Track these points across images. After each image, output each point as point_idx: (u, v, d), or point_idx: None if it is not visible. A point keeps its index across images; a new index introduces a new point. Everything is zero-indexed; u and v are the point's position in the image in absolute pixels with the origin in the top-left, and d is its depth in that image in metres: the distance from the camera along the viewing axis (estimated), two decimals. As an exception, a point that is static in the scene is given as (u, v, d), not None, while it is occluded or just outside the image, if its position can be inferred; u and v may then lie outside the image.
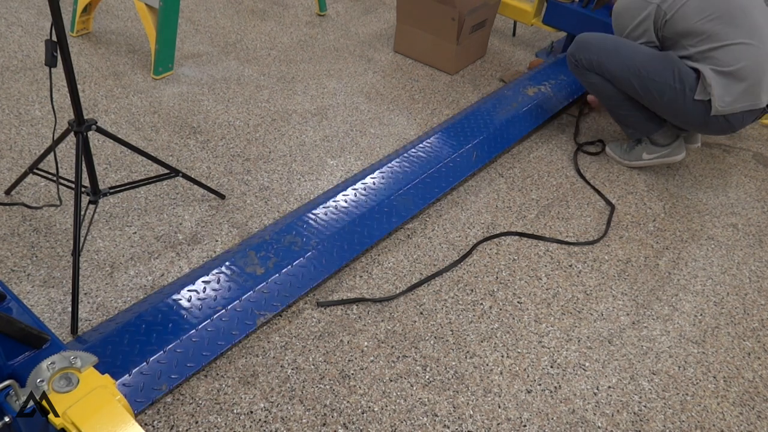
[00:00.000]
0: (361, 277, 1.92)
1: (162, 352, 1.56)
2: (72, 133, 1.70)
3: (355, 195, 2.12)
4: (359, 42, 3.24)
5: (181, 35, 3.06)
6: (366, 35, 3.31)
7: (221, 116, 2.55)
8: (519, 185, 2.39)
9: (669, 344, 1.84)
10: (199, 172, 2.25)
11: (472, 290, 1.93)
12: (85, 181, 1.75)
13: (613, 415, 1.63)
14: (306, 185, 2.25)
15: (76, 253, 1.65)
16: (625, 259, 2.11)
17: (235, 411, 1.53)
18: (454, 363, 1.71)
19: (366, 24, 3.43)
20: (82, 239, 1.72)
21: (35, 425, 1.07)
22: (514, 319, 1.86)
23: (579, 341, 1.82)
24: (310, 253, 1.88)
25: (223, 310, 1.68)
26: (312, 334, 1.73)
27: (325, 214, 2.03)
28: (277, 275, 1.80)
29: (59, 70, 1.60)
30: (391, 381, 1.64)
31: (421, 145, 2.38)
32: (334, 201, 2.09)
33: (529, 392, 1.66)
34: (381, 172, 2.23)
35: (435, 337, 1.77)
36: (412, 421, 1.56)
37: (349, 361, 1.68)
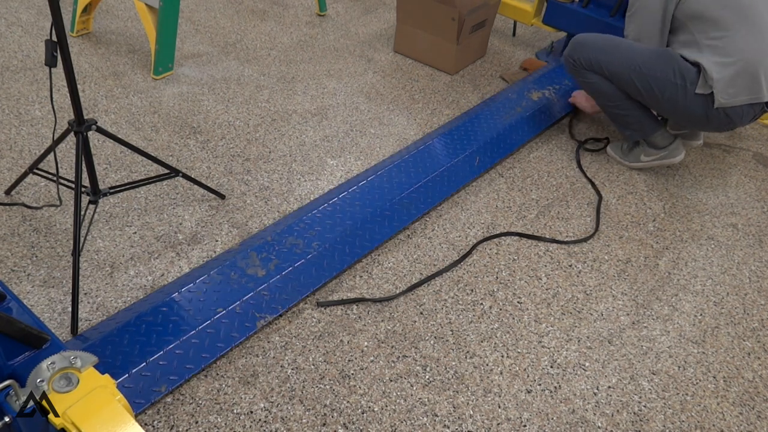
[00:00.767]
0: (361, 277, 1.92)
1: (162, 352, 1.56)
2: (72, 133, 1.70)
3: (357, 197, 2.12)
4: (359, 42, 3.24)
5: (181, 35, 3.06)
6: (366, 35, 3.31)
7: (221, 116, 2.55)
8: (519, 185, 2.39)
9: (669, 344, 1.84)
10: (199, 172, 2.25)
11: (472, 290, 1.93)
12: (85, 181, 1.75)
13: (613, 415, 1.63)
14: (306, 185, 2.25)
15: (76, 253, 1.65)
16: (625, 259, 2.11)
17: (235, 411, 1.53)
18: (454, 363, 1.71)
19: (366, 24, 3.43)
20: (82, 239, 1.72)
21: (35, 425, 1.07)
22: (514, 319, 1.86)
23: (579, 341, 1.82)
24: (311, 256, 1.88)
25: (224, 312, 1.69)
26: (312, 334, 1.73)
27: (327, 216, 2.03)
28: (278, 277, 1.80)
29: (59, 70, 1.61)
30: (391, 381, 1.64)
31: (423, 148, 2.38)
32: (335, 203, 2.09)
33: (529, 392, 1.66)
34: (383, 175, 2.23)
35: (435, 337, 1.77)
36: (412, 421, 1.56)
37: (349, 361, 1.68)
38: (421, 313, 1.83)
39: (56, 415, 1.03)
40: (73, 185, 1.70)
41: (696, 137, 2.68)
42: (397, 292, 1.88)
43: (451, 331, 1.80)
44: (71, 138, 1.75)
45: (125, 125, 2.43)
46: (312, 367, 1.65)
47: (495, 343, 1.78)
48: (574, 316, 1.89)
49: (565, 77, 2.91)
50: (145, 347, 1.56)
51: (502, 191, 2.35)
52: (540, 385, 1.69)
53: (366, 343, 1.73)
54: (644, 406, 1.67)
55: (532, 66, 3.12)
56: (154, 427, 1.48)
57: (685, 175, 2.57)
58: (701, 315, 1.95)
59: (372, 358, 1.69)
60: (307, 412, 1.55)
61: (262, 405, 1.55)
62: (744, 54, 2.10)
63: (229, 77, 2.81)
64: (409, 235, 2.09)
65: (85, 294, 1.77)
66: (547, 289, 1.97)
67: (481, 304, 1.89)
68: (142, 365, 1.53)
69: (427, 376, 1.67)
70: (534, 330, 1.83)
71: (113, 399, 1.08)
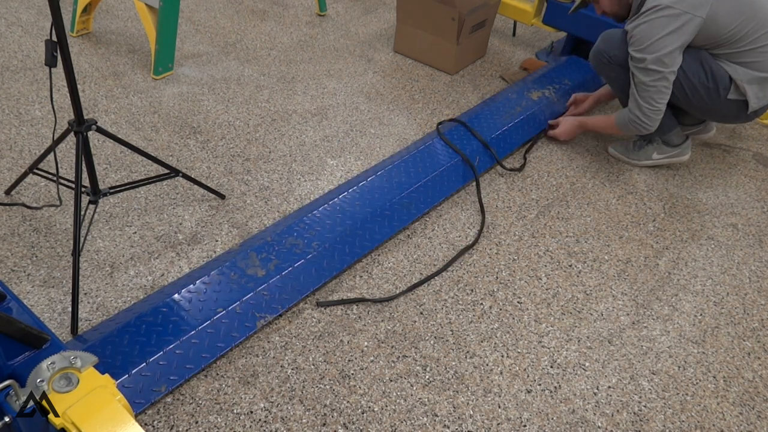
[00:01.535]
0: (361, 277, 1.92)
1: (162, 352, 1.56)
2: (72, 133, 1.70)
3: (357, 197, 2.12)
4: (359, 42, 3.24)
5: (181, 35, 3.06)
6: (366, 35, 3.31)
7: (221, 116, 2.55)
8: (519, 185, 2.39)
9: (669, 344, 1.84)
10: (199, 172, 2.25)
11: (472, 290, 1.93)
12: (85, 181, 1.75)
13: (613, 415, 1.63)
14: (306, 185, 2.25)
15: (76, 253, 1.65)
16: (625, 259, 2.11)
17: (235, 411, 1.53)
18: (454, 363, 1.71)
19: (366, 24, 3.43)
20: (82, 239, 1.72)
21: (35, 425, 1.07)
22: (514, 319, 1.86)
23: (579, 341, 1.82)
24: (311, 256, 1.88)
25: (224, 312, 1.69)
26: (312, 334, 1.73)
27: (327, 217, 2.03)
28: (278, 277, 1.80)
29: (59, 70, 1.61)
30: (391, 381, 1.64)
31: (423, 148, 2.38)
32: (335, 203, 2.09)
33: (529, 392, 1.66)
34: (383, 175, 2.23)
35: (435, 337, 1.77)
36: (412, 421, 1.56)
37: (349, 361, 1.68)
38: (421, 313, 1.83)
39: (56, 415, 1.03)
40: (73, 185, 1.70)
41: (708, 130, 2.69)
42: (397, 292, 1.88)
43: (451, 331, 1.80)
44: (71, 138, 1.76)
45: (125, 125, 2.43)
46: (312, 367, 1.65)
47: (495, 343, 1.78)
48: (574, 316, 1.89)
49: (565, 77, 2.91)
50: (145, 347, 1.56)
51: (502, 191, 2.35)
52: (540, 385, 1.69)
53: (366, 343, 1.73)
54: (644, 406, 1.67)
55: (532, 66, 3.12)
56: (154, 427, 1.48)
57: (685, 175, 2.57)
58: (701, 315, 1.95)
59: (372, 358, 1.69)
60: (307, 412, 1.55)
61: (262, 405, 1.55)
62: None
63: (229, 77, 2.81)
64: (409, 235, 2.09)
65: (85, 294, 1.77)
66: (547, 289, 1.97)
67: (481, 304, 1.89)
68: (142, 365, 1.53)
69: (427, 376, 1.67)
70: (534, 330, 1.83)
71: (113, 399, 1.08)
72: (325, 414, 1.55)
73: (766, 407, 1.70)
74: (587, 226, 2.23)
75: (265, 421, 1.52)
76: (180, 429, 1.48)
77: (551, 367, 1.73)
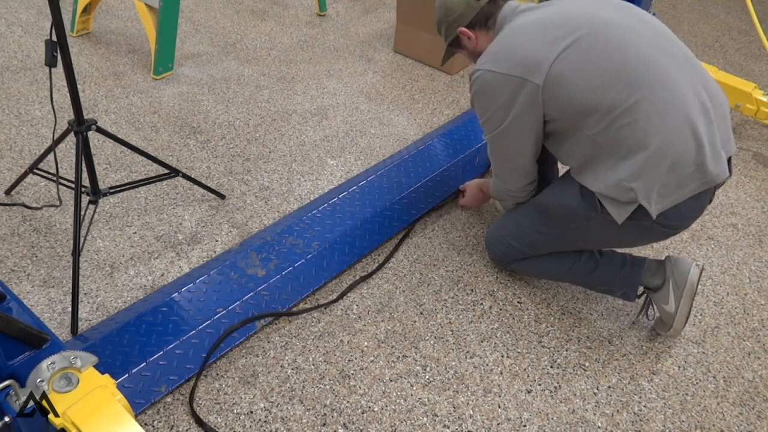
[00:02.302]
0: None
1: (161, 352, 1.56)
2: (72, 133, 1.70)
3: (357, 197, 2.12)
4: (359, 42, 3.24)
5: (181, 35, 3.06)
6: (366, 35, 3.31)
7: (221, 116, 2.55)
8: (519, 185, 2.39)
9: (669, 344, 1.84)
10: (199, 172, 2.25)
11: (472, 290, 1.93)
12: (85, 181, 1.75)
13: (613, 415, 1.63)
14: (306, 185, 2.25)
15: (76, 253, 1.65)
16: (625, 259, 2.11)
17: (235, 411, 1.53)
18: (454, 363, 1.71)
19: (366, 24, 3.43)
20: (82, 239, 1.72)
21: (35, 425, 1.07)
22: (514, 319, 1.86)
23: (579, 341, 1.82)
24: (311, 256, 1.88)
25: (224, 312, 1.69)
26: (312, 334, 1.73)
27: (327, 217, 2.03)
28: (278, 277, 1.80)
29: (59, 70, 1.61)
30: (391, 381, 1.64)
31: (423, 148, 2.38)
32: (335, 203, 2.09)
33: (529, 392, 1.66)
34: (383, 175, 2.23)
35: (435, 337, 1.77)
36: (412, 421, 1.56)
37: (349, 361, 1.68)
38: (421, 313, 1.83)
39: (56, 415, 1.03)
40: (73, 185, 1.70)
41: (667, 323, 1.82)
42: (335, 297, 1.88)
43: (451, 331, 1.80)
44: (71, 138, 1.76)
45: (125, 125, 2.43)
46: (312, 367, 1.65)
47: (495, 343, 1.78)
48: (574, 316, 1.89)
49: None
50: (145, 347, 1.56)
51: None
52: (540, 385, 1.69)
53: (366, 343, 1.73)
54: (644, 406, 1.67)
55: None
56: (154, 427, 1.48)
57: (685, 175, 2.56)
58: (701, 315, 1.95)
59: (372, 358, 1.69)
60: (307, 412, 1.55)
61: (262, 405, 1.55)
62: (667, 134, 1.46)
63: (229, 77, 2.81)
64: (409, 235, 2.09)
65: (85, 294, 1.77)
66: (547, 289, 1.97)
67: (481, 304, 1.89)
68: (142, 365, 1.53)
69: (427, 376, 1.67)
70: (534, 330, 1.83)
71: (113, 399, 1.08)
72: (325, 414, 1.55)
73: (766, 407, 1.70)
74: (587, 226, 2.23)
75: (265, 421, 1.52)
76: (180, 429, 1.48)
77: (551, 367, 1.73)
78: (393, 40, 3.25)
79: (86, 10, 2.88)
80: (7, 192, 2.04)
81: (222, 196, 2.14)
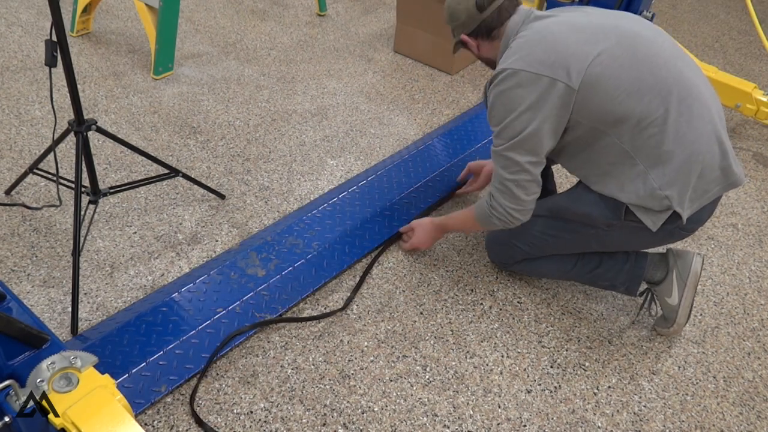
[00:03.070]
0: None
1: (161, 352, 1.56)
2: (72, 133, 1.70)
3: (357, 197, 2.12)
4: (359, 42, 3.24)
5: (181, 35, 3.06)
6: (366, 35, 3.31)
7: (221, 116, 2.55)
8: (519, 185, 2.39)
9: (669, 344, 1.84)
10: (199, 172, 2.25)
11: (472, 290, 1.93)
12: (85, 181, 1.75)
13: (613, 415, 1.63)
14: (306, 185, 2.25)
15: (76, 253, 1.65)
16: (625, 259, 2.11)
17: (235, 411, 1.53)
18: (454, 363, 1.71)
19: (366, 24, 3.43)
20: (82, 239, 1.72)
21: (35, 425, 1.07)
22: (514, 319, 1.86)
23: (579, 341, 1.82)
24: (311, 256, 1.88)
25: (224, 312, 1.69)
26: (312, 334, 1.73)
27: (327, 217, 2.03)
28: (278, 277, 1.80)
29: (59, 70, 1.61)
30: (391, 381, 1.64)
31: (423, 148, 2.38)
32: (335, 203, 2.09)
33: (529, 392, 1.66)
34: (383, 175, 2.23)
35: (435, 337, 1.77)
36: (412, 421, 1.56)
37: (349, 361, 1.68)
38: (421, 313, 1.83)
39: (56, 415, 1.03)
40: (73, 185, 1.70)
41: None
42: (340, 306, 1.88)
43: (451, 331, 1.80)
44: (71, 138, 1.75)
45: (125, 125, 2.43)
46: (312, 367, 1.65)
47: (495, 343, 1.78)
48: (574, 316, 1.89)
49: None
50: (145, 347, 1.56)
51: (502, 191, 2.35)
52: (540, 385, 1.69)
53: (366, 343, 1.73)
54: (644, 406, 1.67)
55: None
56: (154, 427, 1.48)
57: (685, 175, 2.56)
58: (701, 315, 1.95)
59: (372, 358, 1.69)
60: (307, 412, 1.55)
61: (262, 405, 1.55)
62: (697, 142, 1.50)
63: (229, 77, 2.81)
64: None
65: (85, 294, 1.77)
66: (547, 289, 1.97)
67: (481, 304, 1.89)
68: (142, 365, 1.53)
69: (427, 376, 1.67)
70: (534, 330, 1.83)
71: (113, 399, 1.08)
72: (325, 414, 1.55)
73: (766, 407, 1.70)
74: (587, 226, 2.23)
75: (265, 421, 1.52)
76: (180, 429, 1.48)
77: (551, 367, 1.73)
78: (393, 40, 3.25)
79: (86, 10, 2.87)
80: (7, 192, 2.04)
81: (222, 196, 2.14)
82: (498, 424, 1.58)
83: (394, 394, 1.62)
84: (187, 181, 2.14)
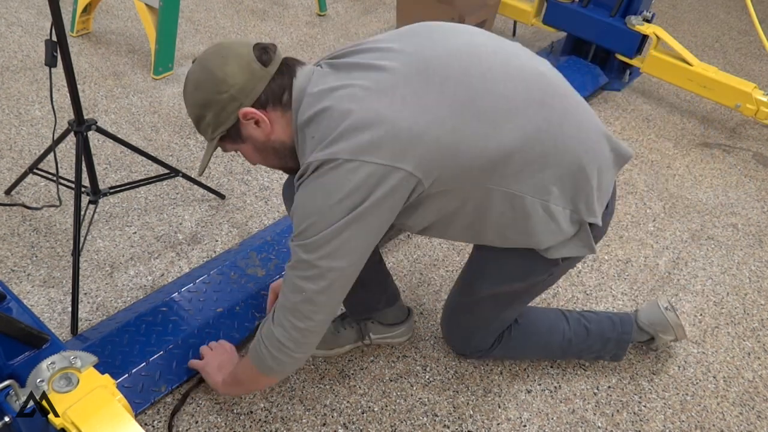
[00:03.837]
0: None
1: (161, 352, 1.56)
2: (72, 133, 1.70)
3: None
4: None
5: (181, 35, 3.06)
6: (366, 35, 3.31)
7: (221, 116, 2.55)
8: (519, 185, 2.39)
9: (669, 344, 1.84)
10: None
11: (472, 290, 1.93)
12: (85, 181, 1.75)
13: (613, 415, 1.63)
14: (306, 185, 2.25)
15: (76, 253, 1.65)
16: (624, 259, 2.11)
17: (235, 411, 1.53)
18: (454, 363, 1.71)
19: (366, 24, 3.42)
20: (82, 239, 1.72)
21: (35, 425, 1.07)
22: (514, 319, 1.86)
23: (579, 341, 1.82)
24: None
25: (224, 312, 1.68)
26: (312, 334, 1.73)
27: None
28: (279, 277, 1.79)
29: (59, 70, 1.60)
30: (391, 381, 1.64)
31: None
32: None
33: (529, 392, 1.66)
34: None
35: (435, 337, 1.77)
36: (412, 421, 1.56)
37: (349, 361, 1.68)
38: (421, 313, 1.83)
39: (56, 415, 1.03)
40: (73, 185, 1.70)
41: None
42: None
43: (451, 331, 1.80)
44: (71, 138, 1.75)
45: (125, 125, 2.43)
46: (312, 367, 1.65)
47: (495, 343, 1.78)
48: (574, 316, 1.89)
49: (565, 76, 2.90)
50: (144, 347, 1.56)
51: (502, 191, 2.35)
52: (540, 385, 1.69)
53: (366, 343, 1.73)
54: (644, 406, 1.67)
55: (532, 66, 3.12)
56: (154, 427, 1.48)
57: (685, 175, 2.57)
58: (701, 315, 1.95)
59: (372, 358, 1.69)
60: (307, 412, 1.55)
61: (262, 405, 1.55)
62: (588, 149, 1.24)
63: (229, 77, 2.80)
64: (409, 235, 2.09)
65: (85, 294, 1.77)
66: (546, 290, 1.97)
67: (481, 304, 1.89)
68: (142, 365, 1.53)
69: (427, 376, 1.67)
70: (534, 330, 1.83)
71: (113, 399, 1.08)
72: (325, 414, 1.55)
73: (766, 407, 1.70)
74: (587, 226, 2.23)
75: (265, 421, 1.52)
76: (180, 429, 1.48)
77: (551, 367, 1.73)
78: (393, 40, 3.25)
79: (86, 10, 2.87)
80: (7, 192, 2.04)
81: (222, 196, 2.14)
82: (498, 424, 1.58)
83: (394, 394, 1.62)
84: (187, 181, 2.14)
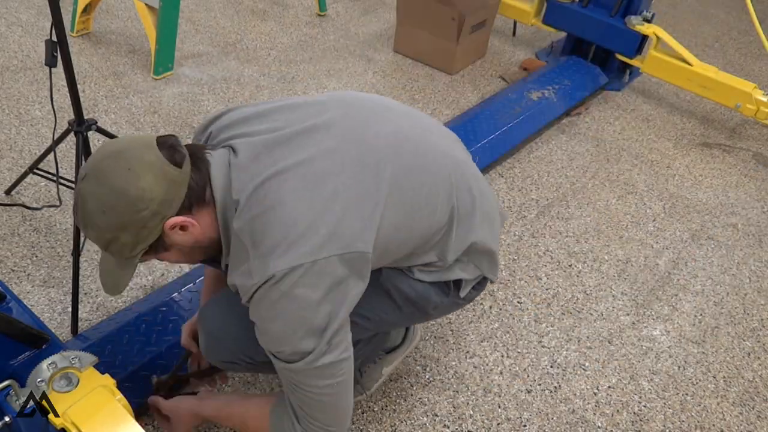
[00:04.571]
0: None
1: (162, 352, 1.56)
2: (72, 133, 1.70)
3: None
4: (359, 42, 3.24)
5: (181, 35, 3.06)
6: (366, 35, 3.31)
7: (221, 116, 2.55)
8: (519, 185, 2.39)
9: (669, 344, 1.84)
10: (199, 172, 2.25)
11: (472, 290, 1.93)
12: (85, 181, 1.74)
13: (613, 415, 1.63)
14: (306, 185, 2.25)
15: (76, 253, 1.65)
16: (625, 259, 2.11)
17: (235, 411, 1.53)
18: (454, 363, 1.71)
19: (366, 24, 3.43)
20: (82, 239, 1.72)
21: (35, 425, 1.07)
22: (514, 319, 1.86)
23: (579, 341, 1.82)
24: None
25: (223, 310, 1.68)
26: (312, 334, 1.73)
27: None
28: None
29: (59, 70, 1.60)
30: (391, 381, 1.64)
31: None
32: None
33: (529, 392, 1.66)
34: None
35: (435, 337, 1.77)
36: (412, 421, 1.56)
37: (349, 361, 1.68)
38: (421, 313, 1.83)
39: (56, 415, 1.03)
40: (73, 185, 1.70)
41: None
42: None
43: (451, 331, 1.80)
44: (71, 138, 1.75)
45: (125, 125, 2.43)
46: (312, 367, 1.65)
47: (495, 343, 1.78)
48: (574, 316, 1.89)
49: (564, 77, 2.91)
50: (145, 347, 1.56)
51: (502, 191, 2.35)
52: (540, 385, 1.69)
53: (366, 343, 1.73)
54: (644, 406, 1.67)
55: (532, 66, 3.12)
56: (154, 427, 1.48)
57: (685, 175, 2.57)
58: (701, 315, 1.95)
59: (372, 358, 1.69)
60: (307, 412, 1.54)
61: (262, 405, 1.55)
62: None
63: (229, 77, 2.81)
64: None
65: (85, 294, 1.77)
66: (547, 289, 1.97)
67: (481, 304, 1.89)
68: (142, 365, 1.52)
69: (427, 376, 1.67)
70: (534, 330, 1.83)
71: (113, 399, 1.08)
72: (325, 414, 1.55)
73: (766, 407, 1.70)
74: (587, 226, 2.23)
75: (265, 421, 1.51)
76: (180, 429, 1.48)
77: (551, 367, 1.73)
78: (393, 40, 3.25)
79: (86, 10, 2.87)
80: (7, 192, 2.04)
81: (222, 196, 2.14)
82: (498, 424, 1.58)
83: (394, 394, 1.62)
84: (187, 181, 2.14)
